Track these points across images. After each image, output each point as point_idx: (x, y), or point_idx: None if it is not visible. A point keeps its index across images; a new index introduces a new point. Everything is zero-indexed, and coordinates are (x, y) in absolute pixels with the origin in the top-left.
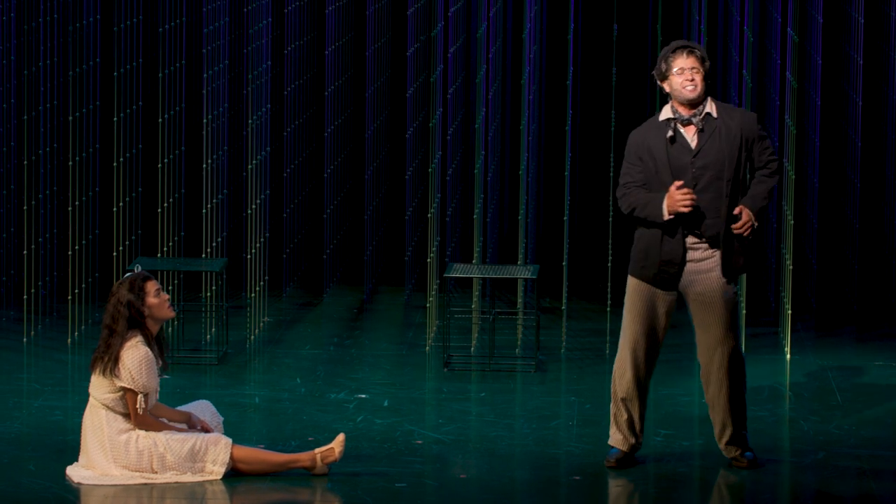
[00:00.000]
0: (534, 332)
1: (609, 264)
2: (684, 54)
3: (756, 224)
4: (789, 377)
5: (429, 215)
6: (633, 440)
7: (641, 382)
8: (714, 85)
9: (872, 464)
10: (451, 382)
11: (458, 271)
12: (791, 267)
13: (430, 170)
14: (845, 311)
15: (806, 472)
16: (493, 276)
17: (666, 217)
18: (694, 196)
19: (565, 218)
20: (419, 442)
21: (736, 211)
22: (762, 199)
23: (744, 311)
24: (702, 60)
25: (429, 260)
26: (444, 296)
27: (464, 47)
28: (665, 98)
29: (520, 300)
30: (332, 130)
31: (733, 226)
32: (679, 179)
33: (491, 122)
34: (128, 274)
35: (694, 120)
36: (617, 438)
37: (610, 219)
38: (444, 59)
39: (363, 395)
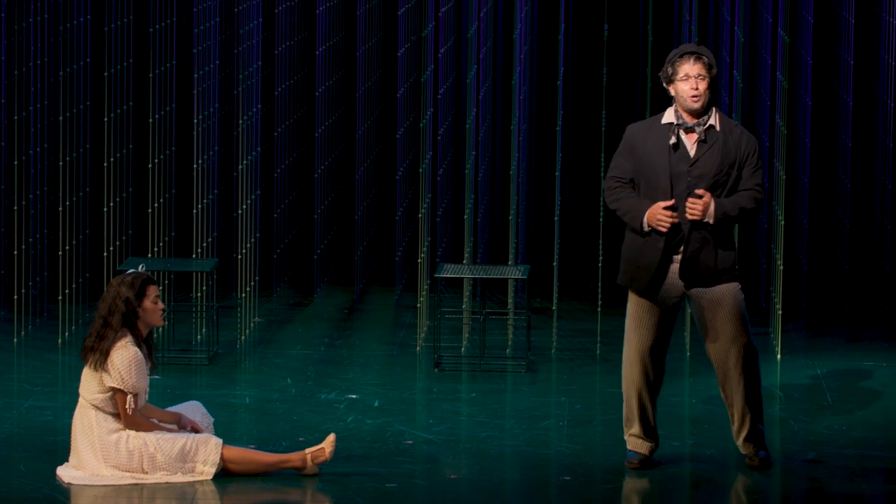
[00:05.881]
0: (524, 332)
1: (600, 265)
2: (691, 60)
3: (710, 221)
4: (780, 378)
5: (419, 215)
6: (651, 443)
7: (654, 385)
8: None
9: (863, 464)
10: (441, 383)
11: (449, 271)
12: (782, 267)
13: (420, 170)
14: (836, 312)
15: (796, 472)
16: (484, 277)
17: (645, 229)
18: (675, 220)
19: (556, 218)
20: (409, 442)
21: (699, 192)
22: (733, 204)
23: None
24: (709, 67)
25: (419, 260)
26: (435, 296)
27: (455, 47)
28: (669, 100)
29: (510, 300)
30: (323, 130)
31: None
32: (675, 186)
33: (482, 122)
34: (132, 270)
35: (697, 129)
36: (636, 442)
37: (600, 219)
38: (435, 60)
39: (354, 396)
